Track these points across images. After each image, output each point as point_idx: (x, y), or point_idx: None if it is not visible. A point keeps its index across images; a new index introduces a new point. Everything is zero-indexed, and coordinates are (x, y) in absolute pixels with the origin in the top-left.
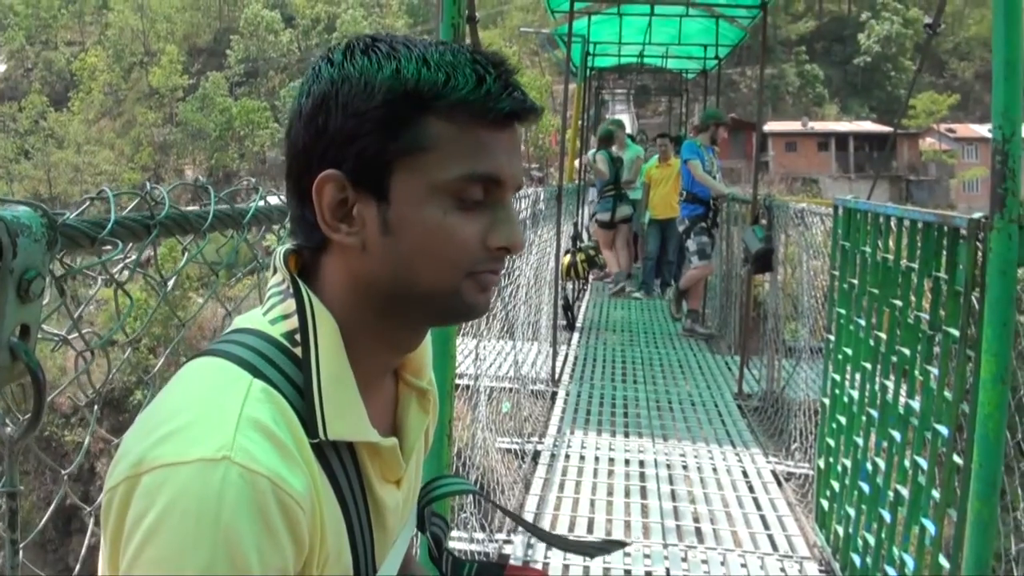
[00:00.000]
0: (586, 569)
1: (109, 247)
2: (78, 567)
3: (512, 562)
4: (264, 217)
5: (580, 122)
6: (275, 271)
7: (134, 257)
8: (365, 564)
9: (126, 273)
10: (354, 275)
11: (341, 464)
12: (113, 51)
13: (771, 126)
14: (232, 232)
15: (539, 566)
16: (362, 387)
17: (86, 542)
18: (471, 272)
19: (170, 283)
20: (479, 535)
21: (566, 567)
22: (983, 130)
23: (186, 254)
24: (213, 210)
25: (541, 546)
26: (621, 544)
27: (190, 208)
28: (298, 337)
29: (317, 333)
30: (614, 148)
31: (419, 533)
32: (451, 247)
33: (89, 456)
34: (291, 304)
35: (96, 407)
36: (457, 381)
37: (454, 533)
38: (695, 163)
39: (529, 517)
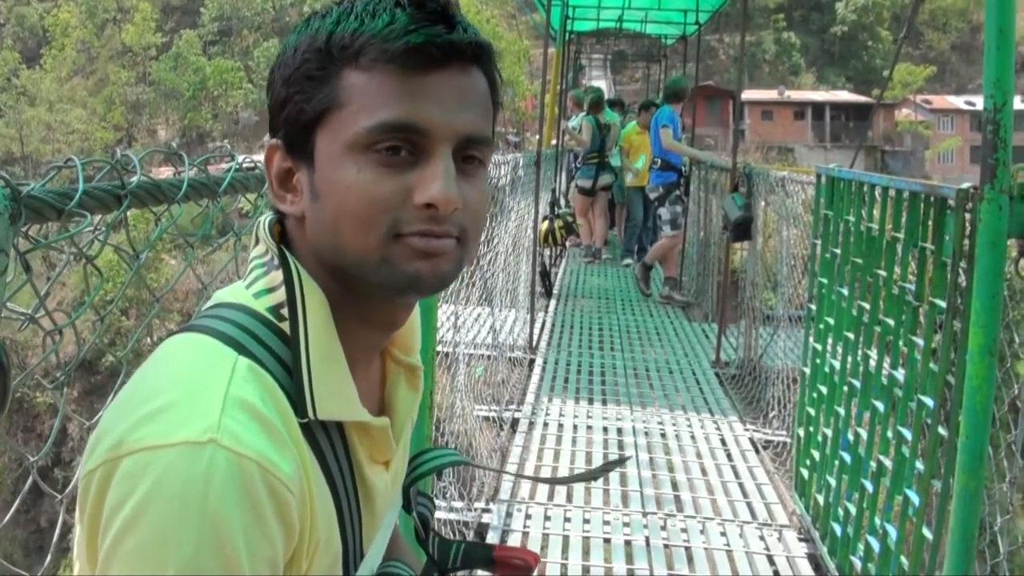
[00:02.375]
0: (566, 539)
1: (78, 219)
2: (48, 560)
3: (492, 530)
4: (241, 186)
5: (559, 87)
6: (257, 241)
7: (104, 229)
8: (353, 550)
9: (96, 246)
10: (310, 246)
11: (331, 445)
12: (86, 7)
13: (748, 94)
14: (207, 201)
15: (517, 535)
16: (350, 364)
17: (57, 533)
18: (397, 234)
19: (143, 256)
20: (458, 504)
21: (545, 536)
22: (959, 102)
23: (159, 224)
24: (187, 179)
25: (519, 515)
26: (622, 460)
27: (162, 176)
28: (284, 312)
29: (306, 307)
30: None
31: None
32: (368, 206)
33: (63, 418)
34: (276, 276)
35: (65, 389)
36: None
37: None
38: (668, 130)
39: (508, 486)
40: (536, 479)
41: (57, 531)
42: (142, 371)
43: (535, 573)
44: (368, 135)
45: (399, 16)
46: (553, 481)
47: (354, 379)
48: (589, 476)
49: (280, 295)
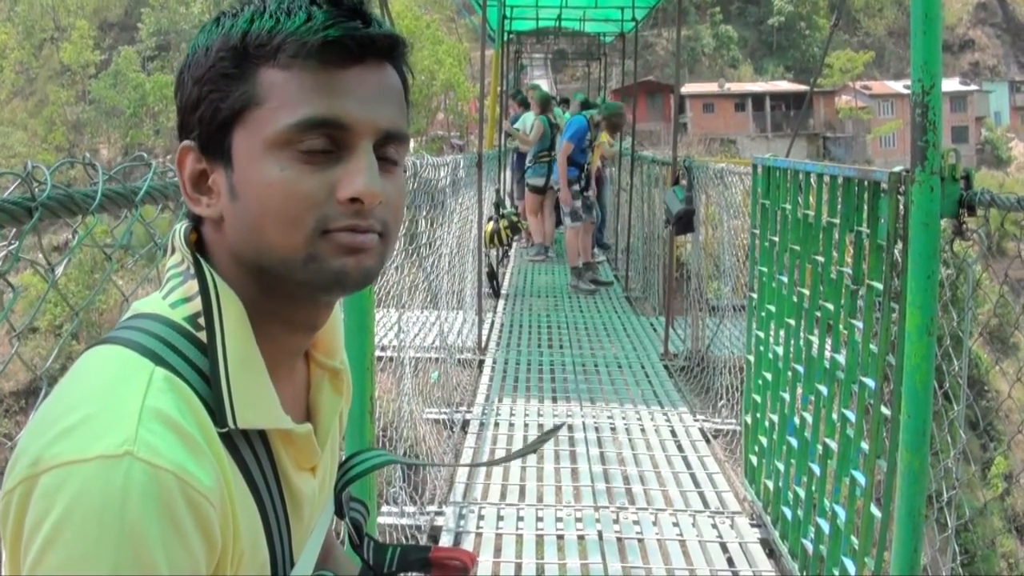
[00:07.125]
0: (519, 538)
1: None
2: None
3: (445, 533)
4: (160, 194)
5: (499, 88)
6: (172, 250)
7: (16, 244)
8: (282, 557)
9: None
10: (229, 249)
11: (253, 454)
12: (23, 27)
13: (688, 88)
14: (125, 212)
15: (471, 536)
16: (271, 370)
17: None
18: (324, 231)
19: (59, 270)
20: (409, 508)
21: (499, 536)
22: (898, 86)
23: (75, 236)
24: (102, 188)
25: (472, 516)
26: (560, 427)
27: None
28: (202, 321)
29: (223, 315)
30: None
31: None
32: (292, 203)
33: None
34: (192, 285)
35: None
36: (381, 354)
37: (384, 508)
38: (569, 145)
39: (460, 487)
40: (476, 464)
41: None
42: (59, 387)
43: (472, 573)
44: (290, 132)
45: (316, 13)
46: (494, 463)
47: (276, 385)
48: (531, 448)
49: (197, 304)
